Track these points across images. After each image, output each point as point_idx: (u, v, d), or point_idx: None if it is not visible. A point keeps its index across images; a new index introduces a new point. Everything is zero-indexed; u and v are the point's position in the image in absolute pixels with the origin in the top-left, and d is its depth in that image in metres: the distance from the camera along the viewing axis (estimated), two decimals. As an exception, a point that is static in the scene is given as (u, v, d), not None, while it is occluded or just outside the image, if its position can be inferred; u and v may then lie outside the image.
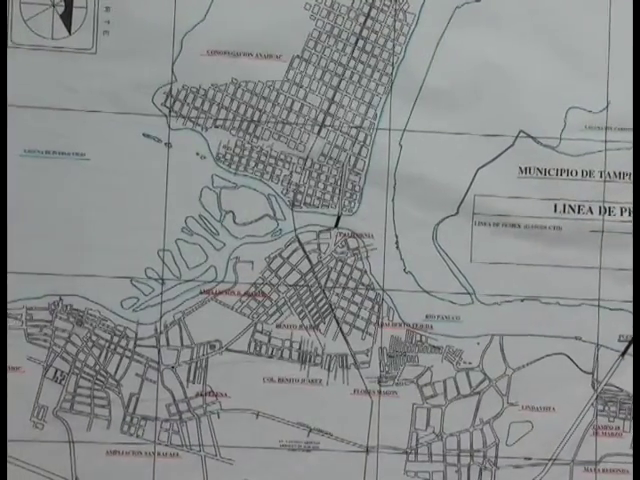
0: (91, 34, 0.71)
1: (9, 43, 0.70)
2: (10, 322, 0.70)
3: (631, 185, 0.72)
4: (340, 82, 0.73)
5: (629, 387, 0.71)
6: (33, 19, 0.71)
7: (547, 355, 0.73)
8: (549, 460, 0.72)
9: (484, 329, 0.73)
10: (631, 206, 0.72)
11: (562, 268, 0.72)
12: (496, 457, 0.72)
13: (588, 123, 0.73)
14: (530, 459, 0.72)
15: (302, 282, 0.72)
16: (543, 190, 0.73)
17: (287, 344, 0.72)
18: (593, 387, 0.72)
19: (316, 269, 0.72)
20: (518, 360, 0.73)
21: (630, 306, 0.72)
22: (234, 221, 0.72)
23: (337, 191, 0.72)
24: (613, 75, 0.72)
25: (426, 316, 0.72)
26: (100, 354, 0.71)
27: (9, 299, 0.70)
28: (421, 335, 0.72)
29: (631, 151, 0.72)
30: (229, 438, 0.71)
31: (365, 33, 0.72)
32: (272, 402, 0.71)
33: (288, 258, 0.72)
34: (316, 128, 0.72)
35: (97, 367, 0.71)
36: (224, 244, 0.72)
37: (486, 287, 0.73)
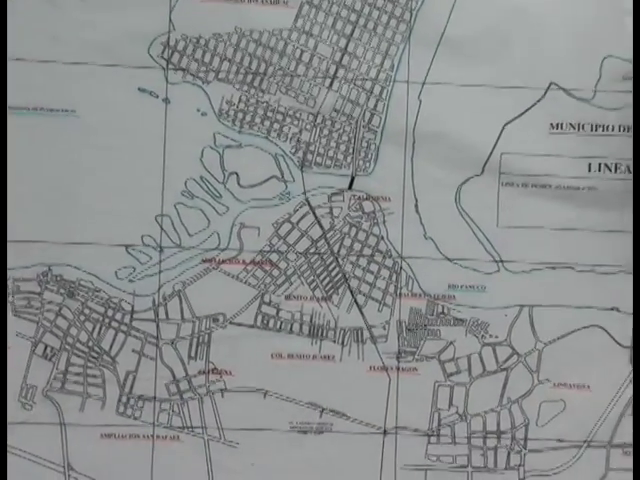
0: (80, -20, 0.68)
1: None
2: (-5, 294, 0.68)
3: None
4: (353, 30, 0.69)
5: (671, 361, 0.68)
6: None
7: (581, 328, 0.69)
8: (584, 442, 0.69)
9: (512, 299, 0.69)
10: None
11: (597, 233, 0.68)
12: (525, 439, 0.69)
13: (626, 73, 0.68)
14: (562, 441, 0.69)
15: (313, 249, 0.68)
16: (576, 147, 0.69)
17: (297, 317, 0.68)
18: (631, 362, 0.68)
19: (328, 235, 0.68)
20: (549, 333, 0.69)
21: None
22: (238, 183, 0.68)
23: (351, 150, 0.68)
24: (653, 20, 0.67)
25: (448, 286, 0.68)
26: (93, 329, 0.68)
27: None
28: (443, 306, 0.68)
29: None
30: (234, 420, 0.68)
31: (380, -24, 0.67)
32: (281, 380, 0.68)
33: (297, 223, 0.68)
34: (327, 81, 0.68)
35: (90, 343, 0.68)
36: (228, 208, 0.68)
37: (514, 254, 0.68)
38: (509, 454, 0.68)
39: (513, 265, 0.69)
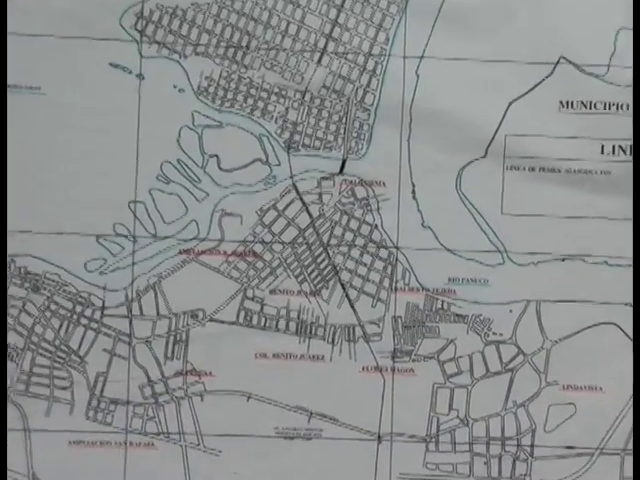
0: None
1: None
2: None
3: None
4: (344, 0, 0.65)
5: (690, 362, 0.65)
6: None
7: (593, 325, 0.65)
8: (596, 449, 0.65)
9: (518, 294, 0.66)
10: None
11: (611, 221, 0.65)
12: (532, 446, 0.65)
13: (643, 47, 0.64)
14: (573, 448, 0.65)
15: (300, 239, 0.65)
16: (588, 127, 0.65)
17: (283, 313, 0.65)
18: (646, 360, 0.63)
19: (317, 224, 0.65)
20: (558, 331, 0.66)
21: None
22: (219, 167, 0.65)
23: (342, 130, 0.65)
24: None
25: (448, 279, 0.65)
26: (60, 326, 0.65)
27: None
28: (443, 301, 0.65)
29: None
30: (214, 425, 0.65)
31: (373, -60, 0.65)
32: (266, 382, 0.65)
33: (284, 211, 0.65)
34: (316, 55, 0.65)
35: (57, 342, 0.65)
36: (207, 194, 0.65)
37: (520, 244, 0.65)
38: (514, 462, 0.66)
39: (519, 256, 0.66)
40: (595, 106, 0.65)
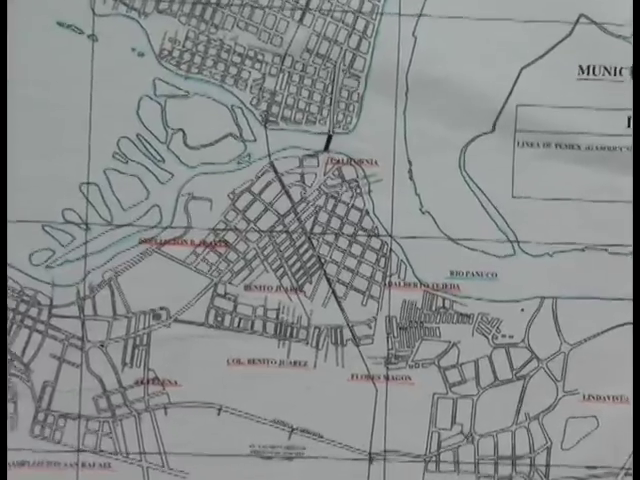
0: None
1: None
2: None
3: None
4: None
5: None
6: None
7: (618, 325, 0.62)
8: (621, 469, 0.63)
9: (531, 290, 0.63)
10: None
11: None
12: (547, 466, 0.63)
13: (675, 4, 0.61)
14: (595, 468, 0.63)
15: (280, 227, 0.62)
16: (612, 97, 0.61)
17: (260, 312, 0.62)
18: (681, 368, 0.62)
19: (299, 209, 0.62)
20: (578, 332, 0.63)
21: None
22: (185, 143, 0.62)
23: (327, 101, 0.62)
24: None
25: (451, 273, 0.62)
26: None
27: None
28: (444, 299, 0.62)
29: None
30: (181, 443, 0.62)
31: None
32: (239, 393, 0.62)
33: (260, 194, 0.62)
34: (297, 13, 0.61)
35: None
36: (172, 175, 0.62)
37: (534, 232, 0.62)
38: None
39: (532, 246, 0.63)
40: (620, 72, 0.61)
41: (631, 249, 0.62)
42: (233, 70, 0.61)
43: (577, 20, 0.61)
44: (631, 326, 0.61)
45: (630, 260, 0.62)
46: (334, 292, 0.63)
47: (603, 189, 0.62)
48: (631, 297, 0.62)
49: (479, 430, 0.63)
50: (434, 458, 0.63)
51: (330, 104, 0.61)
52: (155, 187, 0.62)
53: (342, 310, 0.63)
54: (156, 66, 0.61)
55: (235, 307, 0.62)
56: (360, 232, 0.63)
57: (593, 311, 0.62)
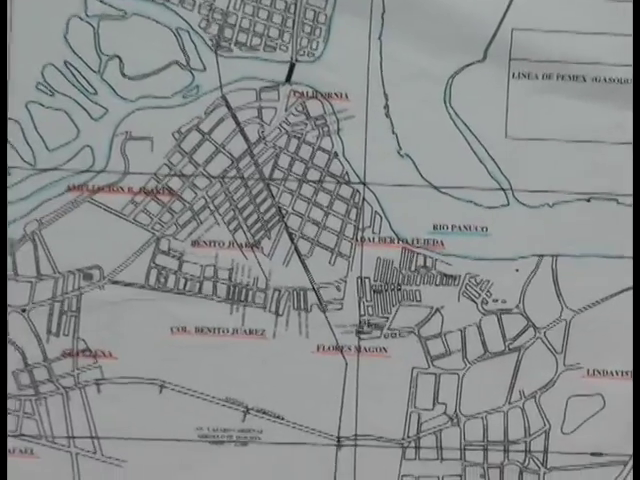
0: None
1: None
2: None
3: None
4: None
5: None
6: None
7: (628, 288, 0.59)
8: (630, 457, 0.60)
9: (527, 247, 0.60)
10: None
11: None
12: (545, 452, 0.61)
13: None
14: (600, 455, 0.60)
15: (233, 172, 0.59)
16: (625, 21, 0.58)
17: (209, 273, 0.60)
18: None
19: (256, 151, 0.59)
20: (581, 297, 0.60)
21: None
22: (122, 73, 0.58)
23: (289, 23, 0.58)
24: None
25: (434, 227, 0.60)
26: None
27: None
28: (425, 257, 0.60)
29: None
30: (116, 426, 0.60)
31: None
32: (185, 366, 0.60)
33: (210, 133, 0.59)
34: None
35: None
36: (106, 111, 0.58)
37: (530, 179, 0.60)
38: (522, 473, 0.61)
39: (529, 196, 0.60)
40: (633, -9, 0.58)
41: (644, 199, 0.59)
42: (178, -15, 0.58)
43: None
44: (643, 289, 0.59)
45: (642, 212, 0.59)
46: (297, 249, 0.60)
47: (611, 129, 0.59)
48: (643, 255, 0.59)
49: (466, 411, 0.61)
50: (413, 443, 0.61)
51: (293, 27, 0.58)
52: (86, 124, 0.58)
53: (306, 270, 0.60)
54: (87, -19, 0.58)
55: (180, 266, 0.60)
56: (328, 178, 0.60)
57: (599, 272, 0.60)
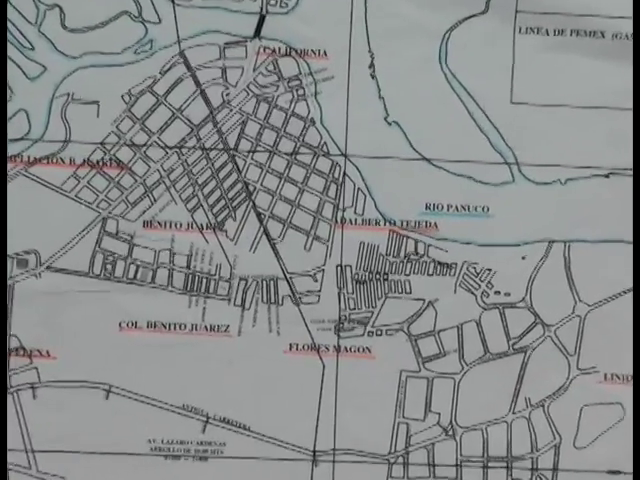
0: None
1: None
2: None
3: None
4: None
5: None
6: None
7: None
8: None
9: (535, 230, 0.56)
10: None
11: None
12: (555, 470, 0.57)
13: None
14: (618, 473, 0.56)
15: (193, 141, 0.55)
16: None
17: (164, 258, 0.56)
18: None
19: (219, 117, 0.55)
20: (598, 289, 0.56)
21: None
22: (63, 25, 0.53)
23: None
24: None
25: (426, 206, 0.56)
26: None
27: None
28: (417, 242, 0.56)
29: None
30: (54, 436, 0.55)
31: None
32: (136, 368, 0.55)
33: (166, 96, 0.54)
34: None
35: None
36: (44, 69, 0.54)
37: (539, 151, 0.55)
38: None
39: (537, 171, 0.55)
40: None
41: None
42: None
43: None
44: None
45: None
46: (266, 232, 0.55)
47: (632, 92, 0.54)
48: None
49: (463, 421, 0.57)
50: (401, 459, 0.57)
51: (262, -29, 0.53)
52: (21, 85, 0.54)
53: (277, 257, 0.56)
54: None
55: (130, 251, 0.55)
56: (303, 149, 0.55)
57: (619, 260, 0.55)
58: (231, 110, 0.54)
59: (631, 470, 0.56)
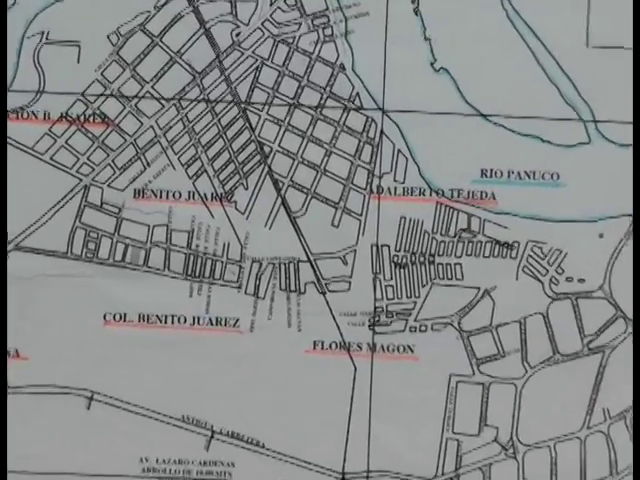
0: None
1: None
2: None
3: None
4: None
5: None
6: None
7: None
8: None
9: (614, 203, 0.49)
10: None
11: None
12: None
13: None
14: None
15: (195, 91, 0.49)
16: None
17: (160, 235, 0.50)
18: None
19: (227, 63, 0.48)
20: None
21: None
22: None
23: None
24: None
25: (482, 172, 0.49)
26: None
27: None
28: (470, 216, 0.49)
29: None
30: (27, 454, 0.49)
31: None
32: (124, 371, 0.50)
33: (162, 36, 0.48)
34: None
35: None
36: (13, 1, 0.49)
37: (622, 106, 0.49)
38: None
39: (619, 129, 0.49)
40: None
41: None
42: None
43: None
44: None
45: None
46: (285, 203, 0.49)
47: None
48: None
49: (526, 438, 0.51)
50: None
51: None
52: None
53: (299, 234, 0.49)
54: None
55: (118, 227, 0.49)
56: (330, 102, 0.49)
57: None
58: (242, 54, 0.48)
59: None
